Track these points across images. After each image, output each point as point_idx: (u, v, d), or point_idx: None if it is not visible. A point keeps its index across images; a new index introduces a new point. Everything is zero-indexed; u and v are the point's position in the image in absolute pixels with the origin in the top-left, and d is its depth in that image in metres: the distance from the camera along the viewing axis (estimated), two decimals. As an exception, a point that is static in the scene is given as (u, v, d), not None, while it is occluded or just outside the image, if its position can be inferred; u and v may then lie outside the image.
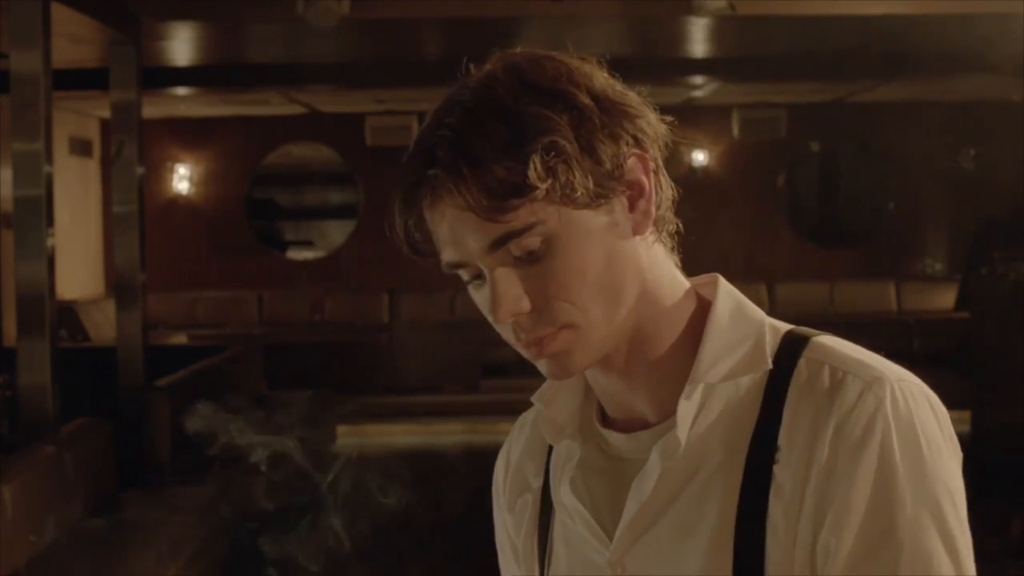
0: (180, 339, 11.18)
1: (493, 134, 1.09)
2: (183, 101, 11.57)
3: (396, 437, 10.18)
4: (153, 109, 10.49)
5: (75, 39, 7.61)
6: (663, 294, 1.17)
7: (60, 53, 6.36)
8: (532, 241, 1.09)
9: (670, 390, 1.16)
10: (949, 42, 8.44)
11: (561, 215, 1.09)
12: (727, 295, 1.19)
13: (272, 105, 11.91)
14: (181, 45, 9.17)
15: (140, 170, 7.21)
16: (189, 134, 12.86)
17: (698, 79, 10.73)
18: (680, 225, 1.19)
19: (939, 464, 1.08)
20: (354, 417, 10.03)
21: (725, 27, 8.01)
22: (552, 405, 1.24)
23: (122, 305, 7.22)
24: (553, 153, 1.08)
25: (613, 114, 1.12)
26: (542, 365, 1.15)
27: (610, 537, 1.18)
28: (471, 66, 1.21)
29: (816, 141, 12.81)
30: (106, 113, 8.26)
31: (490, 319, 1.13)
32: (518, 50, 1.17)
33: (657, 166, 1.15)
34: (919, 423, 1.09)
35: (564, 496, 1.22)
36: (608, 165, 1.11)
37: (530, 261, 1.10)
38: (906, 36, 8.32)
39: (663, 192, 1.16)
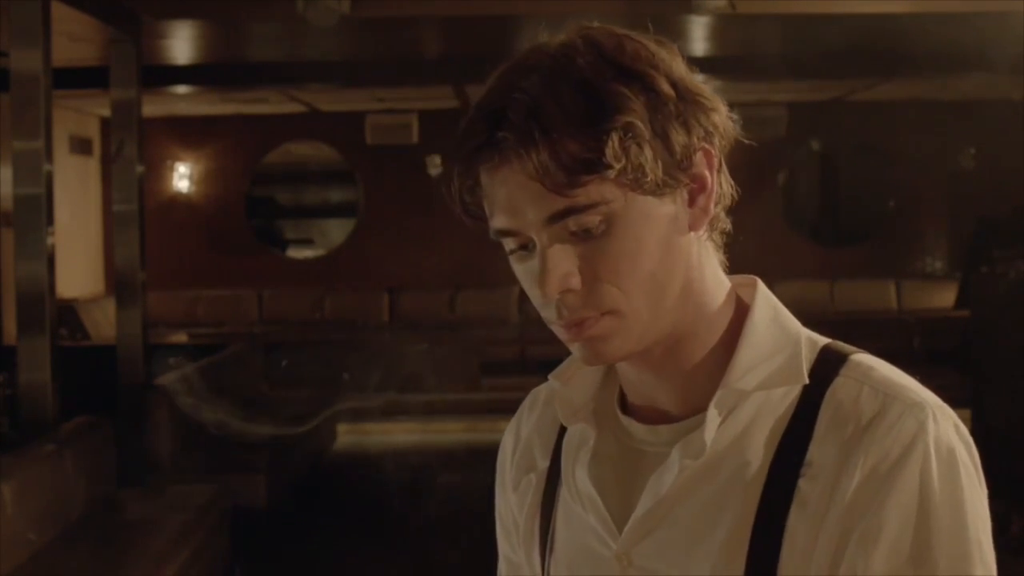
0: (180, 338, 11.18)
1: (571, 106, 1.07)
2: (183, 99, 11.56)
3: (396, 436, 10.18)
4: (153, 108, 10.49)
5: (75, 37, 7.61)
6: (707, 294, 1.16)
7: (60, 51, 6.36)
8: (592, 219, 1.08)
9: (698, 389, 1.15)
10: (949, 41, 8.44)
11: (626, 198, 1.08)
12: (765, 301, 1.18)
13: (272, 103, 11.91)
14: (181, 44, 9.17)
15: (140, 169, 7.20)
16: (189, 133, 12.85)
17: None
18: (731, 226, 1.19)
19: (975, 494, 1.09)
20: (354, 416, 10.03)
21: (725, 26, 8.01)
22: (570, 385, 1.23)
23: (122, 304, 7.21)
24: (629, 134, 1.06)
25: (689, 104, 1.11)
26: (577, 348, 1.13)
27: (619, 528, 1.17)
28: (544, 32, 1.18)
29: (816, 140, 12.81)
30: (106, 111, 8.25)
31: (532, 292, 1.12)
32: (596, 24, 1.15)
33: (720, 164, 1.15)
34: (957, 451, 1.09)
35: (579, 481, 1.21)
36: (678, 155, 1.10)
37: (585, 238, 1.08)
38: (906, 35, 8.31)
39: (723, 190, 1.16)
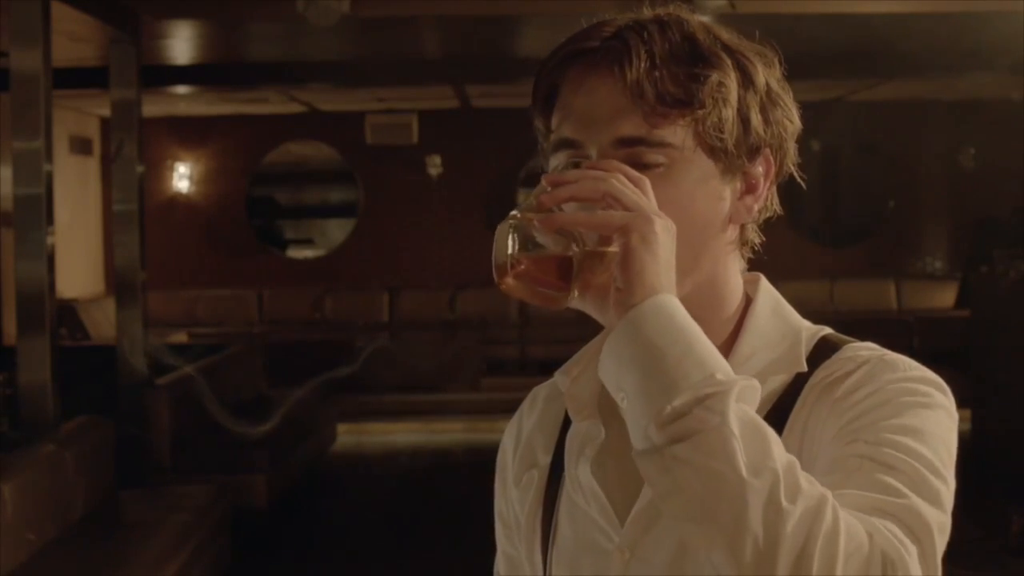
0: (180, 337, 11.18)
1: (679, 49, 1.11)
2: (183, 99, 11.56)
3: (396, 436, 10.18)
4: (153, 107, 10.49)
5: (75, 37, 7.61)
6: (728, 297, 1.19)
7: (60, 51, 6.36)
8: (658, 157, 1.10)
9: None
10: (949, 41, 8.44)
11: (695, 153, 1.11)
12: (767, 294, 1.21)
13: (272, 103, 11.90)
14: (181, 43, 9.17)
15: (140, 168, 7.20)
16: (189, 132, 12.85)
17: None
18: (759, 247, 1.22)
19: (939, 419, 1.09)
20: (354, 416, 10.04)
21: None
22: (577, 382, 1.24)
23: (122, 303, 7.21)
24: (721, 90, 1.11)
25: (773, 103, 1.16)
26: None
27: (621, 522, 1.18)
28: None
29: (816, 140, 12.82)
30: (106, 111, 8.25)
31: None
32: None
33: (773, 181, 1.18)
34: (928, 387, 1.10)
35: (583, 476, 1.21)
36: (751, 139, 1.14)
37: (645, 164, 1.10)
38: (907, 35, 8.31)
39: (768, 202, 1.19)
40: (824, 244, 12.76)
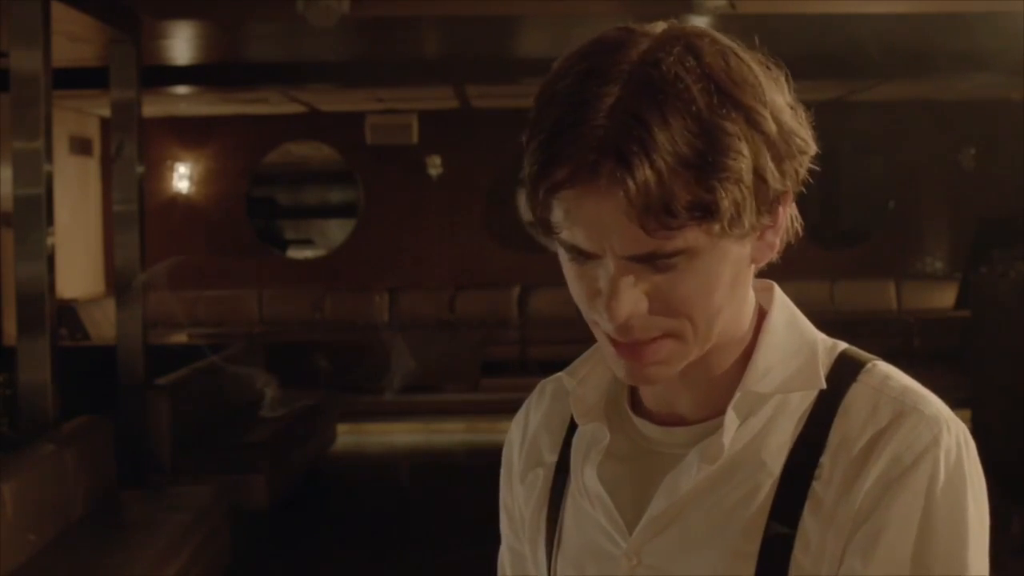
0: (180, 338, 11.17)
1: (687, 145, 1.00)
2: (183, 100, 11.56)
3: (396, 436, 10.18)
4: (153, 108, 10.49)
5: (75, 38, 7.61)
6: (742, 314, 1.16)
7: (60, 52, 6.36)
8: (674, 261, 1.05)
9: (717, 393, 1.15)
10: (950, 41, 8.44)
11: (712, 242, 1.05)
12: (782, 305, 1.19)
13: (272, 104, 11.90)
14: (181, 44, 9.17)
15: (140, 169, 7.20)
16: (189, 133, 12.85)
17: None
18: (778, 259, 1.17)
19: (978, 511, 1.11)
20: (354, 416, 10.03)
21: (725, 26, 7.99)
22: (584, 384, 1.22)
23: (122, 304, 7.21)
24: (738, 183, 1.02)
25: (788, 147, 1.07)
26: (622, 367, 1.11)
27: (628, 527, 1.17)
28: (634, 24, 1.11)
29: (816, 140, 12.80)
30: (106, 112, 8.25)
31: (583, 298, 1.10)
32: (697, 32, 1.08)
33: (792, 201, 1.13)
34: (966, 467, 1.10)
35: (588, 480, 1.20)
36: (769, 199, 1.07)
37: (660, 269, 1.05)
38: (907, 35, 8.31)
39: (788, 225, 1.14)
40: (824, 244, 12.76)
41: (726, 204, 1.02)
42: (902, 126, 12.39)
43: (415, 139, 12.62)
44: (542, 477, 1.27)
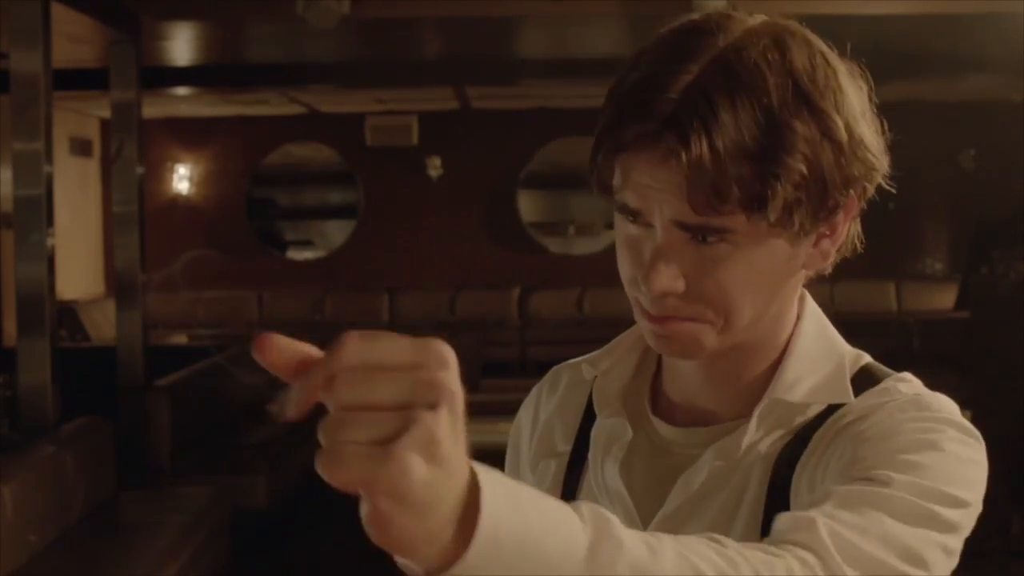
0: (180, 339, 11.17)
1: (750, 133, 1.01)
2: (183, 101, 11.57)
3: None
4: (153, 109, 10.49)
5: (75, 39, 7.61)
6: (784, 320, 1.16)
7: (60, 53, 6.36)
8: (722, 239, 1.05)
9: (743, 395, 1.16)
10: (949, 42, 8.45)
11: (759, 232, 1.05)
12: (812, 314, 1.18)
13: (272, 105, 11.91)
14: (181, 45, 9.17)
15: (140, 170, 7.20)
16: (189, 134, 12.86)
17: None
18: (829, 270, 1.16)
19: (961, 457, 1.05)
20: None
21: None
22: (607, 377, 1.22)
23: (122, 305, 7.21)
24: (794, 181, 1.02)
25: (856, 157, 1.07)
26: (652, 336, 1.12)
27: (644, 523, 1.17)
28: (733, 10, 1.11)
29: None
30: (106, 113, 8.25)
31: (627, 262, 1.10)
32: (790, 28, 1.09)
33: (856, 215, 1.12)
34: (954, 432, 1.05)
35: (608, 477, 1.20)
36: (828, 207, 1.07)
37: (705, 245, 1.06)
38: (906, 36, 8.31)
39: (848, 237, 1.14)
40: (824, 245, 12.75)
41: (778, 200, 1.02)
42: (902, 126, 12.31)
43: (415, 140, 12.62)
44: (554, 468, 1.26)
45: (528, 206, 12.91)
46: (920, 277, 12.93)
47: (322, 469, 0.73)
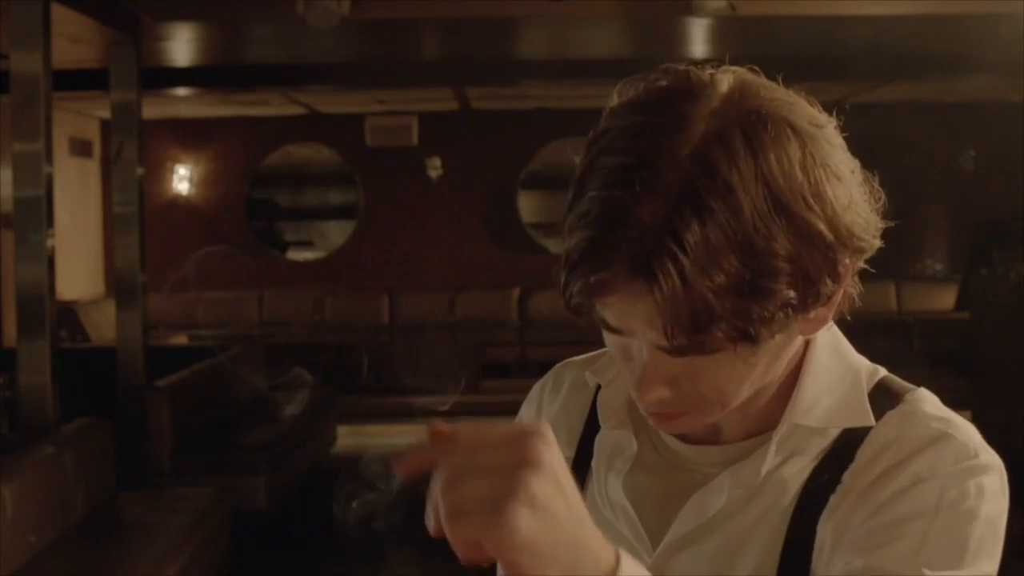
0: (180, 339, 11.17)
1: (728, 267, 0.94)
2: (183, 101, 11.56)
3: (395, 438, 10.17)
4: (153, 109, 10.49)
5: (75, 39, 7.60)
6: (788, 363, 1.12)
7: (60, 53, 6.36)
8: (709, 358, 1.01)
9: (758, 416, 1.13)
10: (949, 42, 8.44)
11: (747, 352, 1.01)
12: (825, 331, 1.14)
13: (272, 106, 11.91)
14: (181, 45, 9.17)
15: (140, 170, 7.20)
16: (189, 134, 12.86)
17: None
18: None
19: (981, 548, 1.05)
20: (354, 418, 10.03)
21: (725, 27, 8.00)
22: (611, 387, 1.20)
23: (122, 305, 7.21)
24: (777, 308, 0.97)
25: (846, 248, 1.02)
26: (654, 423, 1.11)
27: (651, 539, 1.15)
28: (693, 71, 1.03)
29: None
30: (106, 113, 8.25)
31: (619, 360, 1.08)
32: (764, 110, 0.99)
33: (853, 274, 1.07)
34: (986, 500, 1.06)
35: (612, 491, 1.18)
36: (819, 301, 1.02)
37: (691, 362, 1.02)
38: (906, 36, 8.31)
39: (844, 300, 1.08)
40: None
41: (763, 331, 0.98)
42: (902, 128, 12.38)
43: (415, 141, 12.62)
44: None
45: (528, 206, 12.92)
46: (920, 277, 12.93)
47: (446, 525, 0.83)
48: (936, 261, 13.13)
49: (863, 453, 1.08)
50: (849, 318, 1.13)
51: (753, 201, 0.95)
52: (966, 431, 1.09)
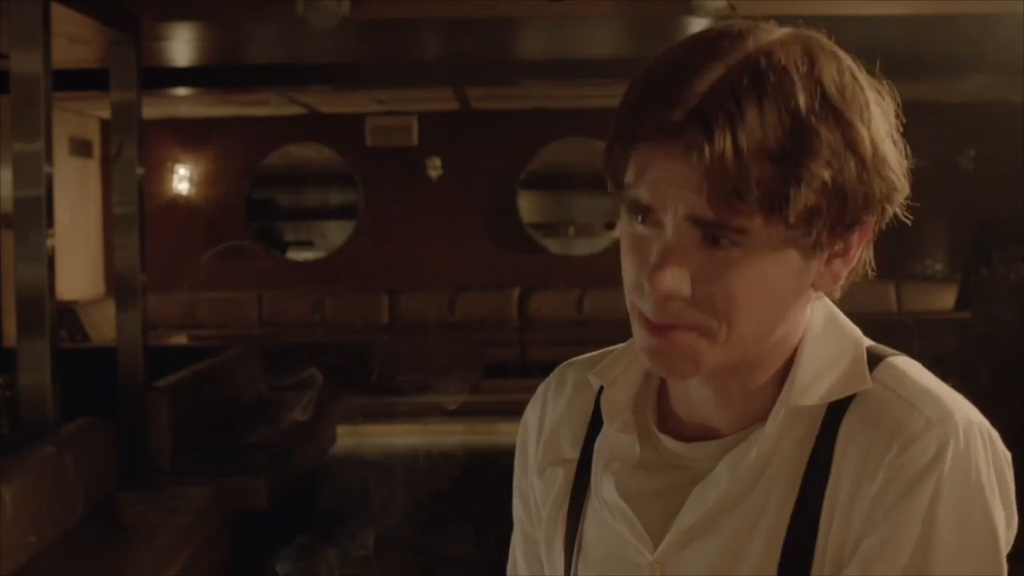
0: (180, 339, 11.18)
1: (775, 135, 0.99)
2: (183, 101, 11.57)
3: (395, 438, 10.18)
4: (153, 109, 10.49)
5: (75, 39, 7.61)
6: (793, 335, 1.13)
7: (60, 53, 6.36)
8: (734, 240, 1.02)
9: (753, 405, 1.13)
10: (949, 42, 8.45)
11: (773, 239, 1.02)
12: (819, 310, 1.15)
13: (272, 106, 11.91)
14: (181, 45, 9.17)
15: (140, 170, 7.20)
16: (189, 135, 12.86)
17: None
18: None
19: (986, 524, 1.05)
20: (354, 417, 10.03)
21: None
22: (613, 387, 1.20)
23: (122, 305, 7.22)
24: (816, 186, 1.00)
25: (879, 175, 1.05)
26: (648, 353, 1.08)
27: (652, 538, 1.15)
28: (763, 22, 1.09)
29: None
30: (106, 113, 8.25)
31: (631, 266, 1.07)
32: (820, 41, 1.08)
33: (871, 240, 1.10)
34: (975, 476, 1.05)
35: (607, 494, 1.18)
36: (847, 218, 1.04)
37: (714, 246, 1.03)
38: (906, 37, 8.31)
39: (860, 262, 1.11)
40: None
41: (799, 203, 1.00)
42: (901, 128, 12.37)
43: (415, 141, 12.62)
44: (562, 476, 1.24)
45: (528, 207, 12.92)
46: (920, 277, 12.93)
47: None
48: (936, 261, 13.13)
49: (844, 429, 1.09)
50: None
51: (808, 93, 1.01)
52: (944, 404, 1.08)
